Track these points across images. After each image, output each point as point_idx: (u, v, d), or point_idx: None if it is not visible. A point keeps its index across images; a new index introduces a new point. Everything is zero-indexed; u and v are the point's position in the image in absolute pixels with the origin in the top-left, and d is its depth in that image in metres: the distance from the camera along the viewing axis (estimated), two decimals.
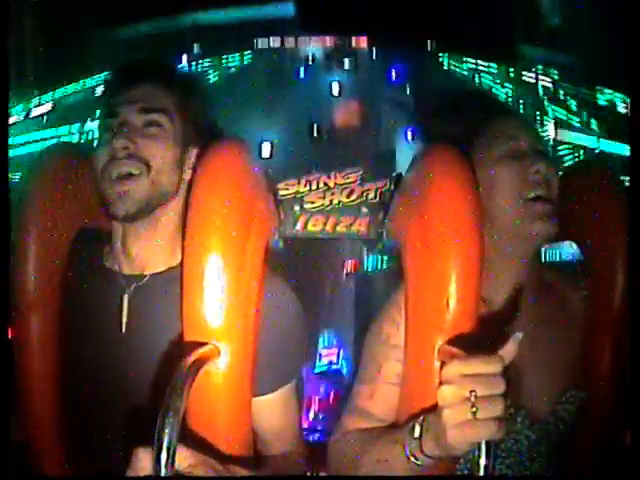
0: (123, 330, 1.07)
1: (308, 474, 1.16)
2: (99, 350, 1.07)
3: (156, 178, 1.07)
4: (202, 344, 0.85)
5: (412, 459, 0.86)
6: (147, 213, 1.07)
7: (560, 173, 1.10)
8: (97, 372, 1.06)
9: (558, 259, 1.18)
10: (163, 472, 0.68)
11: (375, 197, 1.16)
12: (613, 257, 1.15)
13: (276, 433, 1.10)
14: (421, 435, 0.84)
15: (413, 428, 0.85)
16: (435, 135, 1.12)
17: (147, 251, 1.11)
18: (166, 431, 0.69)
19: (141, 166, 1.06)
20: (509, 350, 0.77)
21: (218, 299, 0.86)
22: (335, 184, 1.15)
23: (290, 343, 1.09)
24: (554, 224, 1.06)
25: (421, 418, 0.85)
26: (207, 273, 0.86)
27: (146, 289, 1.09)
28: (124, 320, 1.08)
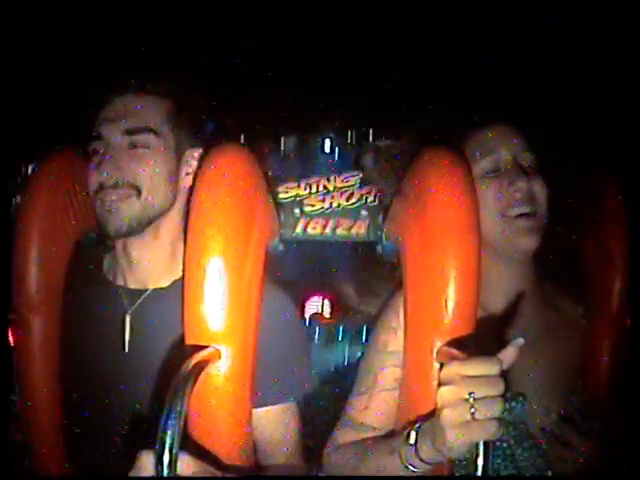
0: (126, 341, 1.07)
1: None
2: (101, 358, 1.07)
3: (147, 199, 1.05)
4: (203, 347, 0.86)
5: (410, 467, 0.86)
6: (139, 230, 1.06)
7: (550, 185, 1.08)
8: (99, 376, 1.07)
9: (556, 269, 1.18)
10: (165, 473, 0.69)
11: (374, 200, 1.16)
12: (612, 267, 1.15)
13: (276, 446, 1.09)
14: (417, 441, 0.84)
15: (408, 435, 0.85)
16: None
17: (150, 262, 1.10)
18: (168, 433, 0.70)
19: (130, 191, 1.04)
20: (509, 354, 0.78)
21: (219, 302, 0.87)
22: (335, 187, 1.16)
23: (291, 354, 1.09)
24: (539, 239, 1.04)
25: (416, 425, 0.85)
26: (208, 276, 0.87)
27: (149, 304, 1.08)
28: (127, 331, 1.07)
